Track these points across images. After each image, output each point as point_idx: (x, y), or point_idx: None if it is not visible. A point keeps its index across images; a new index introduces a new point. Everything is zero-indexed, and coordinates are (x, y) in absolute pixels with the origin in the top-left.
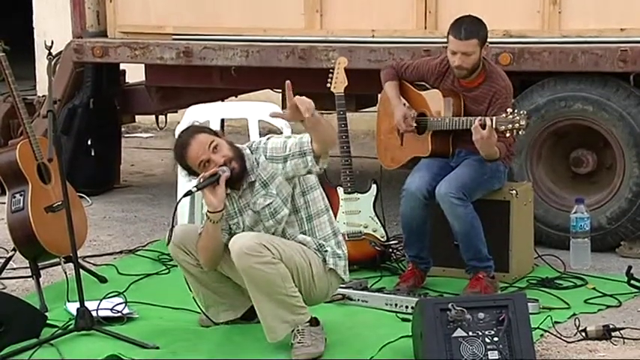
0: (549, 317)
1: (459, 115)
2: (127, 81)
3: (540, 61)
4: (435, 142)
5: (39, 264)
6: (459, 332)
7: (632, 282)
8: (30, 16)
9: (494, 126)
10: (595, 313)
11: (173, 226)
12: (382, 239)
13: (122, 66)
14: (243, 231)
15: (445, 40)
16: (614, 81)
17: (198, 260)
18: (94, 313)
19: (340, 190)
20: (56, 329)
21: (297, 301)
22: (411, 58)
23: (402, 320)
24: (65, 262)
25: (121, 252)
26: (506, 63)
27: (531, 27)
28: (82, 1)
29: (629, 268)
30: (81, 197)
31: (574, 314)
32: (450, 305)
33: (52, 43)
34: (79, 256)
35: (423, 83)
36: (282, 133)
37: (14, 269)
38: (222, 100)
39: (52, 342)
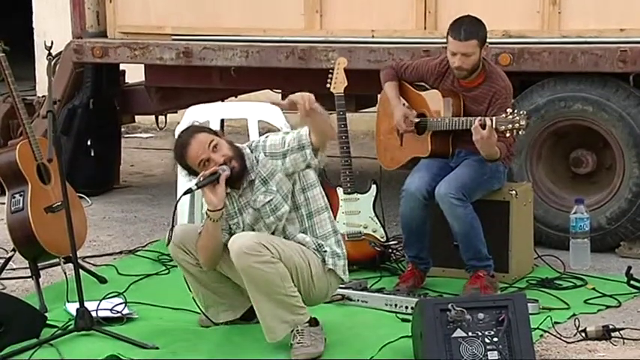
0: (549, 317)
1: (459, 115)
2: (126, 81)
3: (540, 61)
4: (434, 142)
5: (38, 264)
6: (459, 332)
7: (632, 282)
8: (30, 17)
9: (494, 126)
10: (595, 313)
11: (173, 226)
12: (382, 239)
13: (122, 66)
14: (243, 230)
15: (445, 40)
16: (614, 81)
17: (198, 260)
18: (93, 314)
19: (340, 191)
20: (56, 329)
21: (296, 301)
22: (411, 58)
23: (402, 320)
24: (65, 263)
25: (120, 252)
26: (506, 63)
27: (531, 27)
28: (81, 1)
29: (629, 268)
30: (81, 197)
31: (574, 314)
32: (449, 305)
33: (52, 43)
34: (78, 256)
35: (423, 84)
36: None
37: (14, 269)
38: (222, 101)
39: (51, 342)
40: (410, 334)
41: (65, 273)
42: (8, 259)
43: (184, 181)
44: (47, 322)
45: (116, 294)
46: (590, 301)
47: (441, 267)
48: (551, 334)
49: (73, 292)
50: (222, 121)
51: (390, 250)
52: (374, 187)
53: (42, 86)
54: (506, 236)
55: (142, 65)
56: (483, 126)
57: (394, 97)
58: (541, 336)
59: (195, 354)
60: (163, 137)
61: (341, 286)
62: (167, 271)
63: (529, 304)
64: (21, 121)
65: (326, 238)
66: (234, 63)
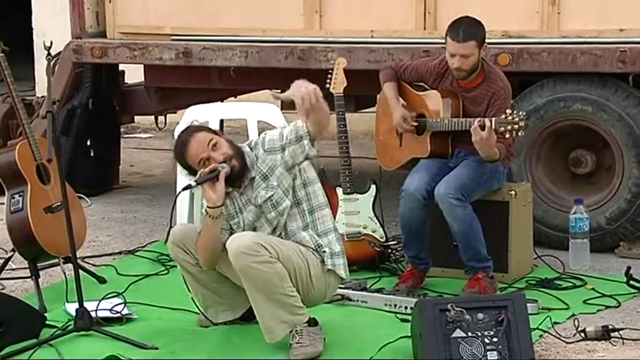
0: (548, 318)
1: (458, 115)
2: (126, 81)
3: (539, 61)
4: (434, 142)
5: (38, 264)
6: (458, 333)
7: (631, 282)
8: (29, 17)
9: (493, 127)
10: (594, 313)
11: (171, 222)
12: (381, 240)
13: (121, 66)
14: (244, 230)
15: (444, 40)
16: (613, 81)
17: (198, 260)
18: (93, 314)
19: (339, 191)
20: (55, 330)
21: (295, 301)
22: (410, 58)
23: (402, 321)
24: (64, 263)
25: (120, 252)
26: (506, 63)
27: (530, 27)
28: (81, 1)
29: (628, 268)
30: (80, 198)
31: (573, 315)
32: (449, 306)
33: (52, 43)
34: (78, 256)
35: (422, 84)
36: None
37: (13, 270)
38: (222, 101)
39: (51, 342)
40: (409, 335)
41: (65, 273)
42: (8, 260)
43: (184, 181)
44: (47, 322)
45: (115, 294)
46: (589, 302)
47: (440, 267)
48: (551, 335)
49: (72, 293)
50: (222, 121)
51: (390, 251)
52: (373, 187)
53: (41, 86)
54: (506, 236)
55: (142, 65)
56: (482, 127)
57: (393, 98)
58: (540, 336)
59: (195, 354)
60: (163, 137)
61: (340, 286)
62: (166, 272)
63: (528, 305)
64: (20, 122)
65: (327, 234)
66: (234, 63)
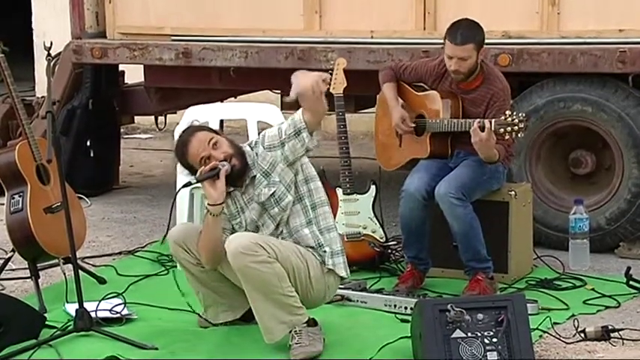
0: (548, 318)
1: (458, 116)
2: (126, 82)
3: (539, 62)
4: (433, 143)
5: (38, 265)
6: (458, 333)
7: (631, 283)
8: (29, 17)
9: (492, 128)
10: (594, 314)
11: (171, 220)
12: (381, 240)
13: (121, 67)
14: (246, 229)
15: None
16: (613, 82)
17: (199, 259)
18: (92, 314)
19: (339, 191)
20: (55, 330)
21: (294, 302)
22: (410, 59)
23: (401, 321)
24: (64, 263)
25: (120, 253)
26: (505, 64)
27: (530, 28)
28: (81, 2)
29: (628, 269)
30: (80, 198)
31: (573, 315)
32: (449, 306)
33: (51, 44)
34: (78, 257)
35: (422, 84)
36: None
37: (13, 270)
38: (222, 101)
39: (51, 343)
40: (409, 335)
41: (64, 273)
42: (7, 260)
43: (184, 180)
44: (46, 322)
45: (115, 295)
46: (589, 302)
47: (440, 267)
48: (551, 335)
49: (72, 293)
50: (222, 121)
51: (390, 251)
52: (373, 187)
53: (41, 87)
54: (506, 237)
55: (142, 66)
56: (482, 128)
57: (392, 99)
58: (540, 336)
59: (195, 354)
60: (163, 138)
61: (340, 286)
62: (166, 272)
63: (528, 305)
64: (20, 122)
65: (329, 231)
66: (234, 63)
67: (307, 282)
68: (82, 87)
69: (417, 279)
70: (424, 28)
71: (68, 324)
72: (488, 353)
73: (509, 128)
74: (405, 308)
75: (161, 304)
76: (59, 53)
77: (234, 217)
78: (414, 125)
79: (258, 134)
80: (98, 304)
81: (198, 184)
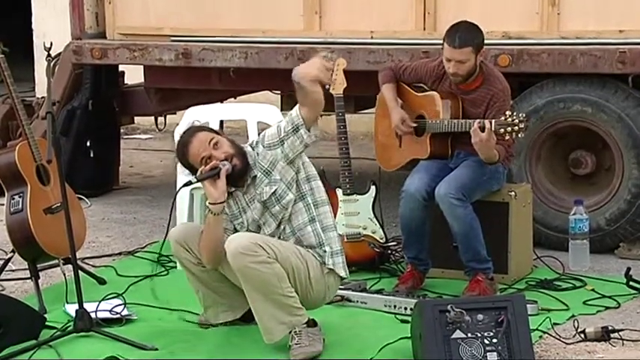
0: (548, 319)
1: (457, 117)
2: (125, 82)
3: (539, 62)
4: (433, 144)
5: (38, 265)
6: (458, 334)
7: (631, 283)
8: (29, 18)
9: (493, 129)
10: (594, 314)
11: (171, 220)
12: (381, 241)
13: (121, 67)
14: (248, 229)
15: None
16: (613, 82)
17: (199, 258)
18: (92, 315)
19: (339, 192)
20: (55, 331)
21: (293, 302)
22: (410, 59)
23: (401, 322)
24: (64, 264)
25: (119, 253)
26: (505, 64)
27: (530, 28)
28: (81, 2)
29: (628, 269)
30: (80, 199)
31: (573, 316)
32: (449, 307)
33: (51, 44)
34: (77, 257)
35: (422, 85)
36: None
37: (13, 271)
38: (221, 102)
39: (50, 343)
40: (409, 336)
41: (64, 274)
42: (7, 261)
43: (184, 180)
44: (46, 323)
45: (115, 295)
46: (589, 303)
47: (440, 268)
48: (551, 335)
49: (72, 294)
50: (222, 122)
51: (390, 251)
52: (373, 188)
53: (41, 87)
54: (506, 237)
55: (141, 66)
56: (482, 129)
57: (392, 100)
58: (540, 337)
59: (194, 354)
60: (162, 138)
61: (340, 287)
62: (166, 273)
63: (528, 305)
64: (20, 123)
65: (330, 230)
66: (234, 64)
67: (307, 282)
68: (81, 87)
69: (417, 279)
70: (424, 29)
71: (68, 324)
72: (488, 354)
73: (509, 128)
74: (405, 309)
75: (161, 305)
76: (59, 54)
77: (235, 218)
78: (413, 126)
79: (258, 135)
80: (98, 305)
81: (199, 185)
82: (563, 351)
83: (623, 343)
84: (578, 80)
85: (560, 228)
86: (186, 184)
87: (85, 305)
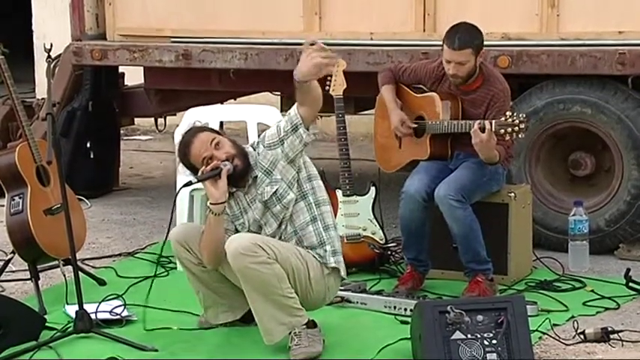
0: (548, 320)
1: (457, 117)
2: (125, 84)
3: (539, 63)
4: (433, 145)
5: (38, 266)
6: (458, 335)
7: (631, 284)
8: (29, 19)
9: (493, 129)
10: (593, 315)
11: (172, 221)
12: (381, 242)
13: (121, 68)
14: (249, 230)
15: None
16: (613, 84)
17: (200, 259)
18: (92, 316)
19: (339, 193)
20: (55, 332)
21: (293, 303)
22: (410, 60)
23: (401, 323)
24: (64, 265)
25: (119, 254)
26: (505, 65)
27: (530, 30)
28: (81, 4)
29: (628, 270)
30: (80, 200)
31: (572, 317)
32: (448, 308)
33: (52, 45)
34: (77, 258)
35: (421, 86)
36: None
37: (13, 272)
38: (221, 103)
39: (50, 344)
40: (409, 336)
41: (64, 275)
42: (7, 262)
43: (184, 181)
44: (46, 324)
45: (115, 296)
46: (588, 304)
47: (440, 269)
48: (550, 336)
49: (72, 295)
50: (222, 123)
51: (389, 252)
52: (373, 189)
53: (41, 88)
54: (505, 238)
55: (141, 68)
56: (482, 129)
57: (391, 101)
58: (540, 338)
59: (194, 355)
60: (162, 140)
61: (340, 288)
62: (166, 274)
63: (528, 306)
64: (20, 124)
65: (331, 229)
66: (234, 65)
67: (307, 283)
68: (82, 89)
69: (416, 280)
70: (424, 30)
71: (68, 325)
72: (487, 355)
73: (509, 129)
74: (405, 310)
75: (161, 306)
76: (59, 55)
77: (237, 218)
78: (413, 127)
79: (258, 136)
80: (98, 306)
81: (199, 186)
82: (562, 352)
83: (622, 344)
84: (578, 81)
85: (559, 229)
86: (186, 185)
87: (85, 306)
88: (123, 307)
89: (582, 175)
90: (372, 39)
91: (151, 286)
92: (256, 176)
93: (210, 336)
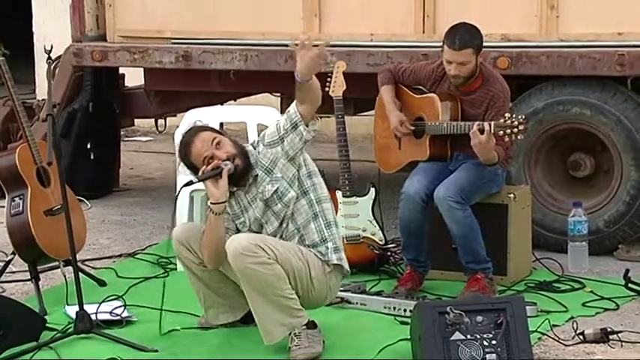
0: (547, 320)
1: (457, 118)
2: (126, 85)
3: (538, 64)
4: (432, 146)
5: (38, 267)
6: (458, 335)
7: (630, 285)
8: (30, 20)
9: (492, 131)
10: (593, 316)
11: (173, 221)
12: (380, 242)
13: (121, 70)
14: (250, 229)
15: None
16: (612, 85)
17: (201, 259)
18: (93, 317)
19: (339, 194)
20: (55, 332)
21: (293, 304)
22: (409, 62)
23: (401, 323)
24: (64, 266)
25: (120, 255)
26: (504, 67)
27: (529, 31)
28: (81, 5)
29: (627, 271)
30: (80, 201)
31: (572, 317)
32: (448, 308)
33: (52, 47)
34: (78, 259)
35: (420, 87)
36: None
37: (13, 273)
38: (221, 104)
39: (51, 345)
40: (409, 337)
41: (65, 276)
42: (8, 262)
43: (185, 181)
44: (47, 325)
45: (115, 297)
46: (588, 304)
47: (439, 270)
48: (550, 337)
49: (72, 295)
50: (222, 124)
51: (389, 253)
52: (373, 190)
53: (42, 90)
54: (505, 239)
55: (142, 69)
56: (482, 131)
57: (390, 102)
58: (539, 339)
59: (194, 356)
60: (163, 141)
61: (340, 289)
62: (166, 274)
63: (527, 307)
64: (21, 125)
65: (333, 226)
66: (234, 66)
67: (308, 282)
68: (82, 90)
69: (416, 281)
70: (423, 31)
71: (68, 326)
72: (487, 355)
73: (508, 130)
74: (405, 310)
75: (161, 307)
76: (59, 56)
77: (237, 217)
78: (412, 128)
79: (258, 137)
80: (98, 307)
81: (199, 186)
82: (562, 352)
83: (621, 345)
84: (577, 83)
85: (559, 230)
86: (186, 184)
87: (86, 307)
88: (123, 307)
89: (581, 176)
90: (371, 40)
91: (164, 290)
92: (257, 175)
93: (211, 336)
